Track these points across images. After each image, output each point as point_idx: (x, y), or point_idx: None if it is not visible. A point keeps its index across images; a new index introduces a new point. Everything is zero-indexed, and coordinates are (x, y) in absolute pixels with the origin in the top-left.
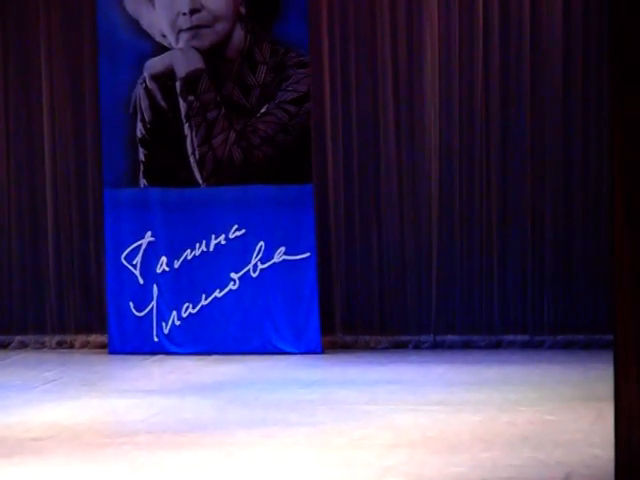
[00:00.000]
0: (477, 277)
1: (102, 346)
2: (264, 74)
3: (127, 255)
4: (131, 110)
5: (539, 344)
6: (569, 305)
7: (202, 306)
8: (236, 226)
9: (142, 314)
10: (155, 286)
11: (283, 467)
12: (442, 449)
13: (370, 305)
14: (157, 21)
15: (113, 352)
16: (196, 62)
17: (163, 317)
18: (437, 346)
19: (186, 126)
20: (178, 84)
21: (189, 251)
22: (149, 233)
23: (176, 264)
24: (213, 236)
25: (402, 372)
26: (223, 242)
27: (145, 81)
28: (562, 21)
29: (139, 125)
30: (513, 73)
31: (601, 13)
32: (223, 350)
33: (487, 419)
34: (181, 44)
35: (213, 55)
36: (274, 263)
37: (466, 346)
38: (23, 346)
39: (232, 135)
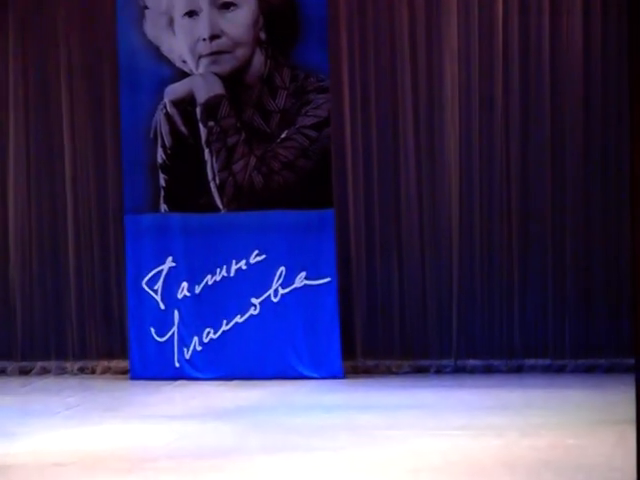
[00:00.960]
0: (498, 301)
1: (123, 372)
2: (284, 99)
3: (148, 280)
4: (152, 136)
5: (560, 368)
6: (590, 329)
7: (223, 331)
8: (257, 251)
9: (163, 339)
10: (176, 311)
11: None
12: (464, 474)
13: (391, 329)
14: (177, 47)
15: (134, 378)
16: (216, 88)
17: (184, 342)
18: (458, 371)
19: (206, 152)
20: (198, 110)
21: (210, 276)
22: (170, 258)
23: (197, 289)
24: (234, 261)
25: (424, 397)
26: (244, 267)
27: (165, 107)
28: (582, 45)
29: (160, 151)
30: (532, 98)
31: (620, 38)
32: (244, 375)
33: (509, 443)
34: (201, 70)
35: (233, 81)
36: (295, 288)
37: (487, 370)
38: (45, 372)
39: (252, 160)
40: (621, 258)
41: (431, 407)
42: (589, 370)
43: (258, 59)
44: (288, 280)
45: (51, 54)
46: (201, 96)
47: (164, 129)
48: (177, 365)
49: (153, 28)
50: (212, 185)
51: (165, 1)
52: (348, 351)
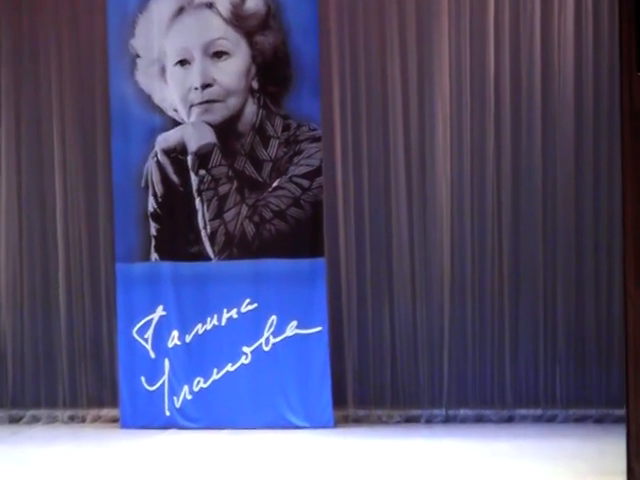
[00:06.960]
0: (489, 351)
1: (114, 420)
2: (276, 148)
3: (139, 329)
4: (143, 184)
5: (551, 418)
6: (581, 379)
7: (214, 380)
8: (248, 300)
9: (154, 388)
10: (166, 360)
11: None
12: None
13: (382, 379)
14: (169, 95)
15: (125, 427)
16: (208, 136)
17: (175, 391)
18: (449, 420)
19: (197, 200)
20: (190, 158)
21: (200, 325)
22: (161, 307)
23: (187, 338)
24: (225, 310)
25: (414, 447)
26: (235, 316)
27: (157, 155)
28: (573, 84)
29: (151, 199)
30: (524, 142)
31: (613, 76)
32: (235, 424)
33: None
34: (193, 118)
35: (225, 129)
36: (286, 337)
37: (478, 420)
38: (35, 420)
39: (244, 209)
40: (612, 309)
41: (421, 458)
42: (580, 420)
43: (250, 108)
44: (279, 329)
45: (43, 101)
46: (192, 145)
47: (155, 178)
48: (167, 414)
49: (145, 77)
50: (203, 234)
51: (157, 50)
52: (339, 400)
